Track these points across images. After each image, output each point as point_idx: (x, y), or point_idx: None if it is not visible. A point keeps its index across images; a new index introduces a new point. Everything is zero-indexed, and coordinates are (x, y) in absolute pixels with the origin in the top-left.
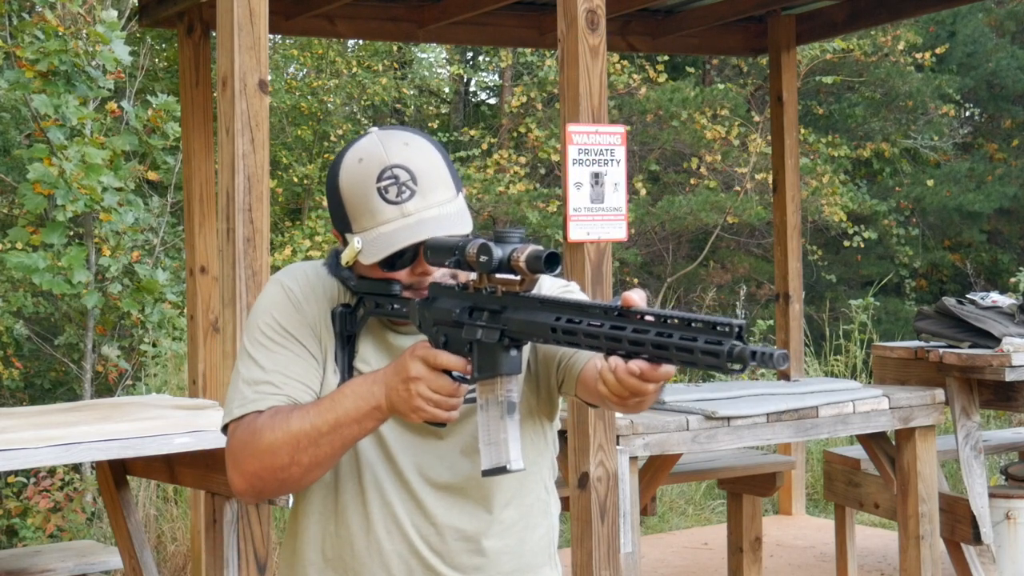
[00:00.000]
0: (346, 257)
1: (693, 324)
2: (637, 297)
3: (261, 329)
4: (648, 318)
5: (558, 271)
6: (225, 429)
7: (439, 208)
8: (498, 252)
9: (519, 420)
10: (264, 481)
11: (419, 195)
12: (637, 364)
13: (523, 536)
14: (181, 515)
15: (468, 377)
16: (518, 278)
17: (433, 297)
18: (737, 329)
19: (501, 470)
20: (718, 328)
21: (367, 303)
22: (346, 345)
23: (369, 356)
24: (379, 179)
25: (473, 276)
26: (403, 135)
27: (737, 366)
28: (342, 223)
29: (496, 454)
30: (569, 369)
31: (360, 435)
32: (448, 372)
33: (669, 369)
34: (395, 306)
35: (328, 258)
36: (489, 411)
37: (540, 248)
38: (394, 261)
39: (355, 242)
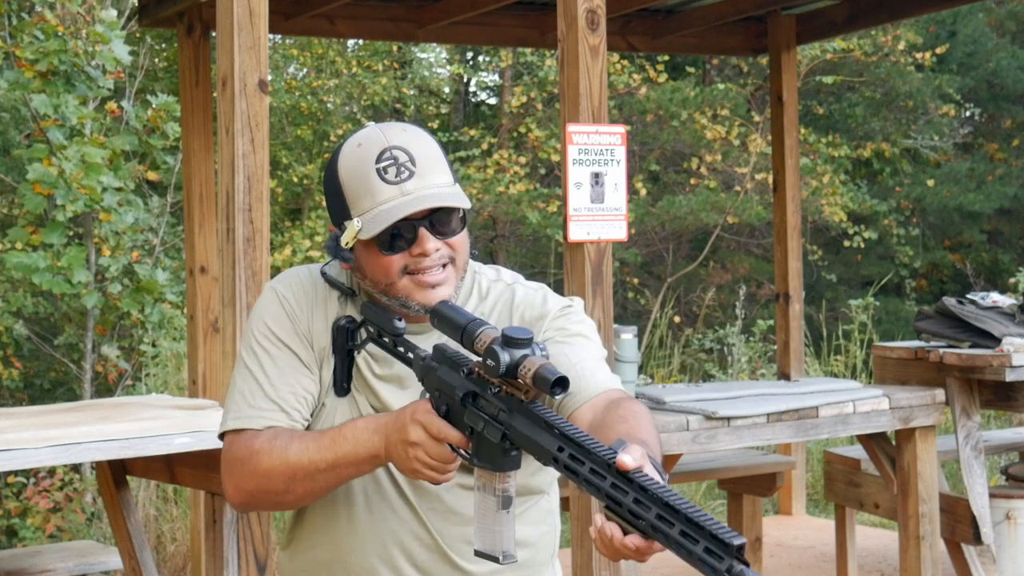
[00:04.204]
0: (346, 238)
1: (695, 521)
2: (630, 460)
3: (255, 337)
4: (647, 483)
5: (563, 396)
6: (222, 436)
7: (438, 188)
8: (505, 357)
9: (514, 513)
10: (259, 500)
11: (418, 175)
12: (633, 541)
13: (534, 531)
14: (181, 515)
15: (467, 453)
16: (524, 388)
17: (437, 363)
18: (736, 548)
19: (492, 558)
20: (722, 539)
21: (370, 328)
22: (344, 360)
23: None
24: (378, 160)
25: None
26: (402, 124)
27: None
28: (341, 211)
29: (491, 542)
30: (561, 409)
31: (356, 475)
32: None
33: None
34: (395, 345)
35: (327, 242)
36: (485, 496)
37: (549, 369)
38: (393, 241)
39: (354, 223)
